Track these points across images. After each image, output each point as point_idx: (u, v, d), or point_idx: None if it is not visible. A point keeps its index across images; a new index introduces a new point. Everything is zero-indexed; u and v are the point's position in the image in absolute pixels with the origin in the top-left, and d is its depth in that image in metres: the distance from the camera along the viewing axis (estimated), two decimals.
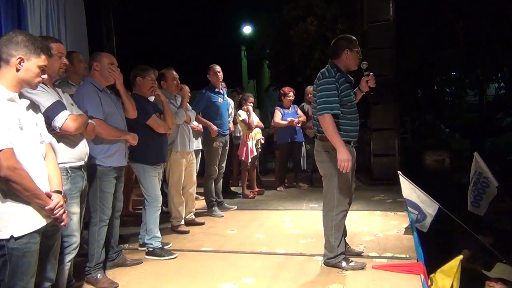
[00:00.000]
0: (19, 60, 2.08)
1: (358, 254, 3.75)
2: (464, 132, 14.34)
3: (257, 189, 6.72)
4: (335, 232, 3.41)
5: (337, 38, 3.54)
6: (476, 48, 10.54)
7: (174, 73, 4.73)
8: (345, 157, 3.18)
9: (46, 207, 2.09)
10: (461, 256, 3.34)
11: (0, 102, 2.01)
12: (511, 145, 15.25)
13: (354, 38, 3.50)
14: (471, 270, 5.70)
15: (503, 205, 6.80)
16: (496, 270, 4.13)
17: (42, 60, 2.15)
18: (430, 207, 4.45)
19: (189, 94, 5.22)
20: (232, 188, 7.05)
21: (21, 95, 2.17)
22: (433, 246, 4.90)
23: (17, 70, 2.09)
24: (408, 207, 4.61)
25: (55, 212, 2.12)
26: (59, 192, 2.21)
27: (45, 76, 2.22)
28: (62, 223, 2.20)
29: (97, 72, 3.29)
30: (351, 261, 3.44)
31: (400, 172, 4.56)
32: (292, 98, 6.93)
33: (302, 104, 7.12)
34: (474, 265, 5.69)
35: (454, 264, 3.52)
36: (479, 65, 11.55)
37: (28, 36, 2.14)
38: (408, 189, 4.54)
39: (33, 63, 2.12)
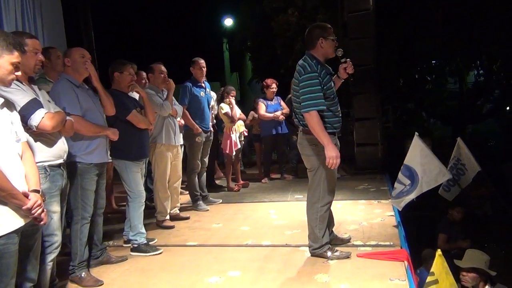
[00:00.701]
0: None
1: (347, 241, 3.79)
2: (445, 119, 14.55)
3: (241, 182, 6.72)
4: (320, 223, 3.42)
5: (310, 27, 3.46)
6: (455, 36, 10.65)
7: (162, 67, 4.70)
8: (333, 154, 3.19)
9: (23, 207, 2.05)
10: (439, 251, 3.32)
11: None
12: (491, 131, 15.56)
13: (328, 26, 3.43)
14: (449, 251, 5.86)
15: (484, 190, 6.95)
16: (467, 258, 4.13)
17: (15, 56, 2.10)
18: (439, 174, 4.15)
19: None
20: (217, 182, 7.04)
21: None
22: (414, 233, 4.98)
23: None
24: (400, 175, 4.35)
25: (33, 211, 2.08)
26: (36, 191, 2.16)
27: (19, 73, 2.17)
28: (42, 222, 2.16)
29: (70, 68, 3.22)
30: (336, 250, 3.47)
31: (417, 133, 4.34)
32: (275, 89, 6.91)
33: (289, 96, 7.06)
34: (451, 246, 5.86)
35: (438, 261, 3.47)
36: (459, 53, 11.68)
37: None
38: (417, 152, 4.22)
39: (5, 60, 2.07)
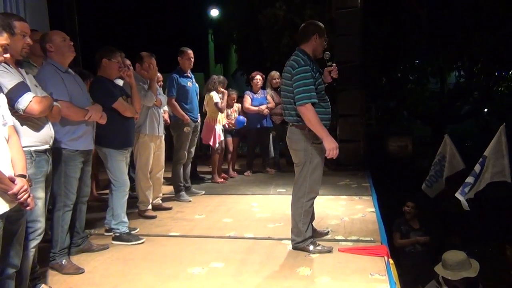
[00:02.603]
0: None
1: (325, 235, 3.86)
2: (425, 119, 14.80)
3: (223, 175, 6.72)
4: (304, 217, 3.46)
5: (307, 22, 3.53)
6: (438, 36, 10.82)
7: (153, 59, 4.63)
8: (333, 146, 3.24)
9: (9, 192, 2.02)
10: None
11: None
12: (468, 132, 15.91)
13: (323, 26, 3.51)
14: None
15: (456, 187, 7.11)
16: (455, 266, 4.08)
17: (4, 38, 2.06)
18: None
19: (161, 79, 5.14)
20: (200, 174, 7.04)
21: None
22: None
23: None
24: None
25: (19, 196, 2.05)
26: (23, 176, 2.13)
27: (7, 55, 2.13)
28: (28, 207, 2.14)
29: (53, 53, 3.15)
30: (318, 244, 3.51)
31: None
32: (258, 81, 6.91)
33: (267, 89, 7.06)
34: (405, 242, 5.99)
35: None
36: (441, 54, 11.87)
37: None
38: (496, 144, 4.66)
39: None
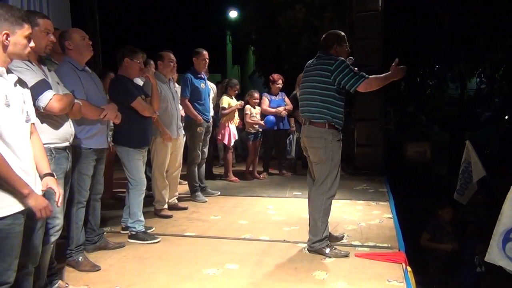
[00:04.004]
0: (5, 36, 1.99)
1: (341, 239, 3.84)
2: (444, 125, 14.58)
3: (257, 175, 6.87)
4: (323, 216, 3.46)
5: (327, 33, 3.63)
6: (460, 41, 10.66)
7: (172, 55, 4.67)
8: (399, 72, 3.31)
9: (26, 201, 2.01)
10: None
11: None
12: (488, 139, 15.61)
13: (343, 34, 3.61)
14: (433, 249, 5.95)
15: (480, 197, 7.00)
16: None
17: (26, 29, 2.06)
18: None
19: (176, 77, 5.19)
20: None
21: (9, 71, 2.09)
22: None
23: (5, 46, 2.00)
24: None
25: (37, 214, 2.05)
26: (50, 174, 2.17)
27: (33, 44, 2.13)
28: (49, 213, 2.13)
29: (72, 51, 3.17)
30: (335, 248, 3.48)
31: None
32: (280, 85, 6.89)
33: (294, 92, 7.03)
34: (432, 245, 5.96)
35: None
36: (462, 59, 11.69)
37: (5, 8, 2.03)
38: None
39: (19, 35, 2.03)
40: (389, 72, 3.31)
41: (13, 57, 2.07)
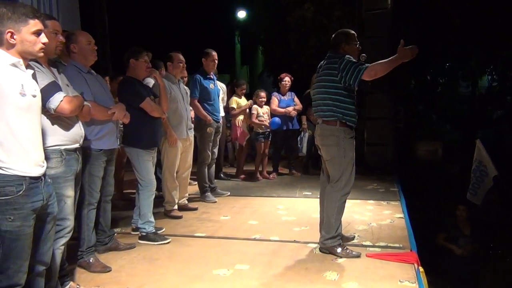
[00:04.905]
0: (9, 34, 1.99)
1: (351, 239, 3.82)
2: (455, 123, 14.43)
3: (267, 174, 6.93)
4: (337, 213, 3.46)
5: (336, 33, 3.61)
6: (472, 39, 10.53)
7: (181, 56, 4.68)
8: (408, 52, 3.17)
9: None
10: None
11: (2, 66, 1.95)
12: (500, 138, 15.39)
13: (352, 32, 3.58)
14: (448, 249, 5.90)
15: (493, 196, 6.90)
16: None
17: (32, 25, 2.04)
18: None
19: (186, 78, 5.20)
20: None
21: (29, 66, 2.10)
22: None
23: (12, 44, 2.00)
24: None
25: None
26: None
27: (45, 39, 2.11)
28: None
29: (76, 54, 3.16)
30: (347, 248, 3.46)
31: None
32: (287, 83, 6.85)
33: (308, 91, 6.99)
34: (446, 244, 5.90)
35: None
36: (474, 57, 11.55)
37: (8, 6, 2.00)
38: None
39: (25, 32, 2.02)
40: (396, 55, 3.20)
41: (25, 56, 2.06)
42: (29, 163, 2.04)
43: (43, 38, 2.10)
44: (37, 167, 2.10)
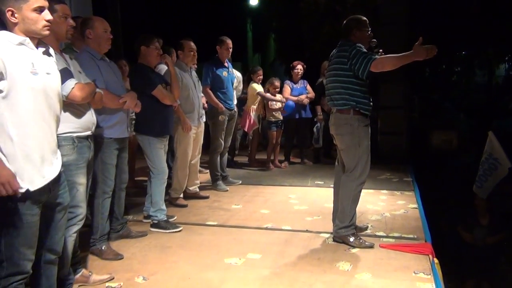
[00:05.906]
0: (10, 13, 1.94)
1: (365, 229, 3.78)
2: (470, 112, 14.21)
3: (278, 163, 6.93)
4: (352, 202, 3.43)
5: (347, 19, 3.55)
6: (489, 26, 10.29)
7: (192, 44, 4.63)
8: (424, 51, 3.06)
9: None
10: None
11: (9, 47, 1.91)
12: None
13: (364, 18, 3.51)
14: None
15: (507, 187, 6.77)
16: None
17: (33, 1, 1.96)
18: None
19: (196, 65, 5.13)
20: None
21: (41, 43, 2.06)
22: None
23: (14, 23, 1.95)
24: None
25: None
26: None
27: (50, 16, 2.03)
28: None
29: (91, 40, 3.12)
30: (360, 238, 3.42)
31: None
32: (299, 71, 6.76)
33: (320, 79, 6.91)
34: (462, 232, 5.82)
35: None
36: (491, 45, 11.31)
37: None
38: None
39: (25, 10, 1.95)
40: (411, 51, 3.10)
41: (29, 35, 1.99)
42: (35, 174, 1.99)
43: (47, 16, 2.02)
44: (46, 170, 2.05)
